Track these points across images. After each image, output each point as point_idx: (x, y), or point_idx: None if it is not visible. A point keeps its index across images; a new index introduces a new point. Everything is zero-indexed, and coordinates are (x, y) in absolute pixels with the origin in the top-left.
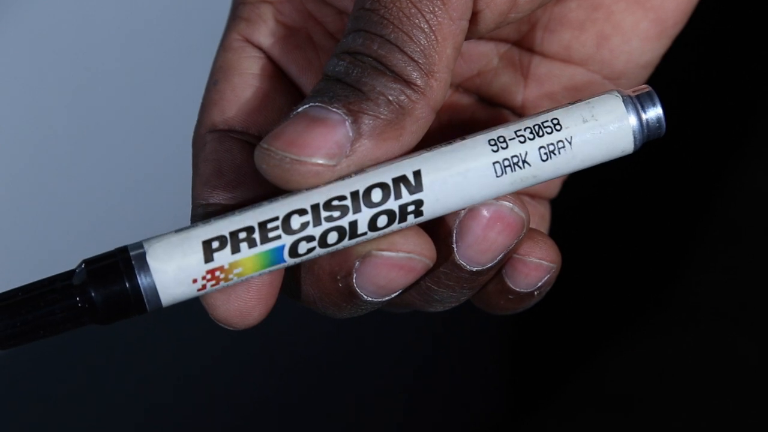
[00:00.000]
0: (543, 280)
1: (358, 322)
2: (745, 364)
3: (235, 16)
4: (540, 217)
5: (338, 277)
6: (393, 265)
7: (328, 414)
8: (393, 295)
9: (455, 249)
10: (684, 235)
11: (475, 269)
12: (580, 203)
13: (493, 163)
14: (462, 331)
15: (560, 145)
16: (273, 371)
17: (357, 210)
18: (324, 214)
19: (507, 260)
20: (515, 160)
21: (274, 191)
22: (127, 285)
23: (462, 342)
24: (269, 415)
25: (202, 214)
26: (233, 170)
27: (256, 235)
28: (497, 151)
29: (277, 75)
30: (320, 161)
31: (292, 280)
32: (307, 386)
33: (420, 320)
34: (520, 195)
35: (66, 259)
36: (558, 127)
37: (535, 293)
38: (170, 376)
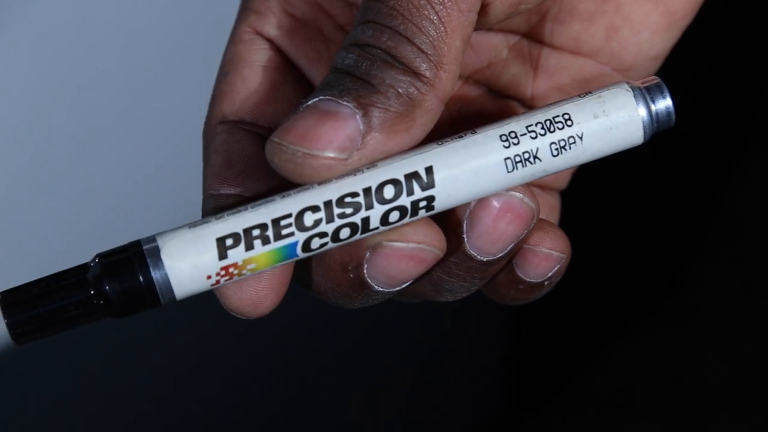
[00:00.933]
0: (553, 271)
1: (361, 318)
2: (744, 364)
3: (245, 9)
4: (550, 208)
5: (349, 268)
6: (403, 256)
7: (331, 407)
8: (404, 286)
9: (465, 239)
10: (685, 236)
11: (485, 259)
12: (590, 194)
13: (505, 159)
14: (464, 329)
15: (571, 141)
16: (279, 360)
17: (369, 206)
18: (337, 210)
19: (517, 250)
20: (526, 156)
21: (284, 182)
22: (142, 280)
23: (464, 340)
24: (275, 403)
25: (213, 204)
26: (243, 161)
27: (270, 233)
28: (509, 147)
29: (286, 67)
30: (332, 155)
31: (304, 269)
32: (311, 377)
33: (423, 317)
34: (530, 186)
35: (76, 248)
36: (569, 122)
37: (546, 283)
38: (181, 364)
